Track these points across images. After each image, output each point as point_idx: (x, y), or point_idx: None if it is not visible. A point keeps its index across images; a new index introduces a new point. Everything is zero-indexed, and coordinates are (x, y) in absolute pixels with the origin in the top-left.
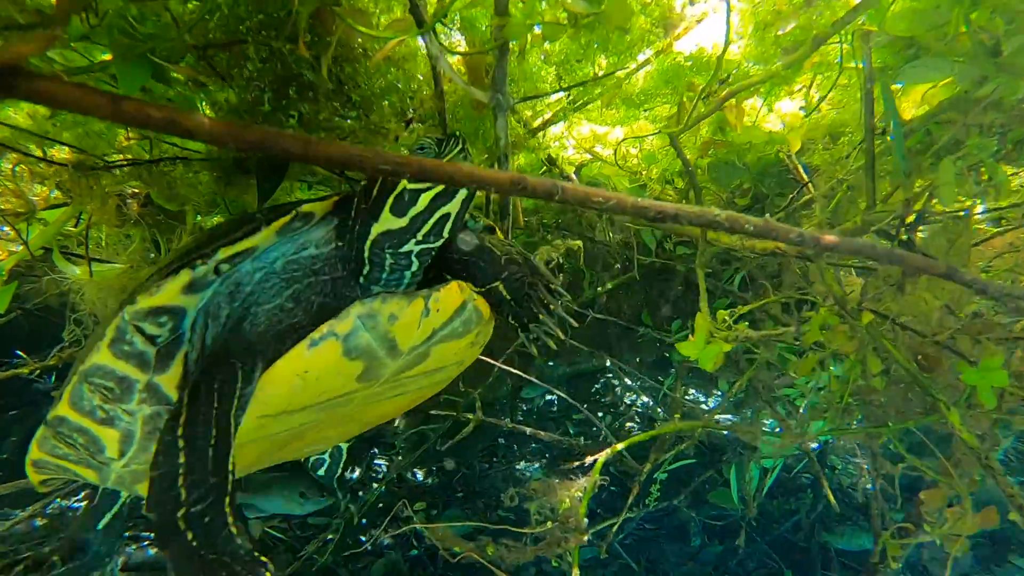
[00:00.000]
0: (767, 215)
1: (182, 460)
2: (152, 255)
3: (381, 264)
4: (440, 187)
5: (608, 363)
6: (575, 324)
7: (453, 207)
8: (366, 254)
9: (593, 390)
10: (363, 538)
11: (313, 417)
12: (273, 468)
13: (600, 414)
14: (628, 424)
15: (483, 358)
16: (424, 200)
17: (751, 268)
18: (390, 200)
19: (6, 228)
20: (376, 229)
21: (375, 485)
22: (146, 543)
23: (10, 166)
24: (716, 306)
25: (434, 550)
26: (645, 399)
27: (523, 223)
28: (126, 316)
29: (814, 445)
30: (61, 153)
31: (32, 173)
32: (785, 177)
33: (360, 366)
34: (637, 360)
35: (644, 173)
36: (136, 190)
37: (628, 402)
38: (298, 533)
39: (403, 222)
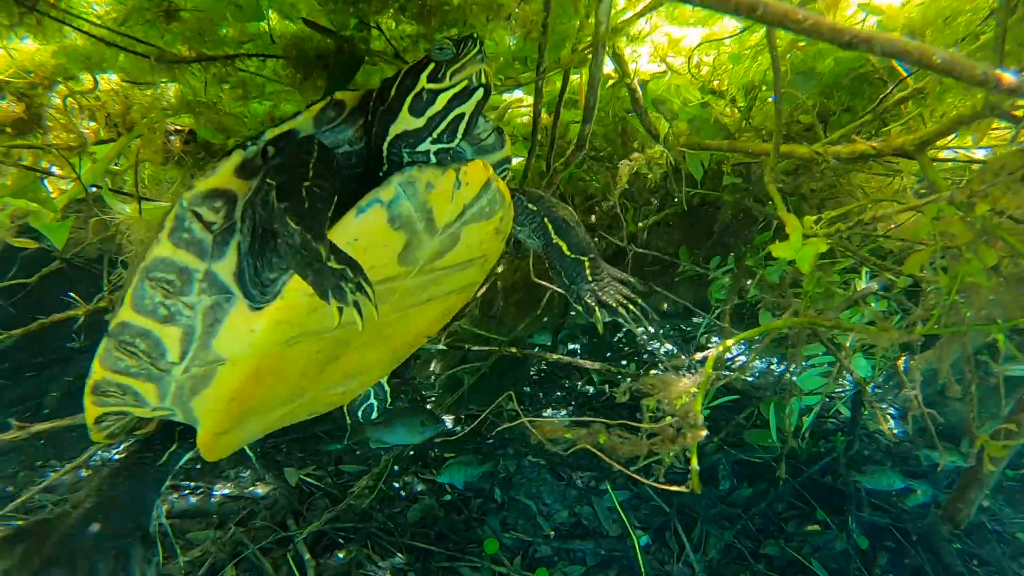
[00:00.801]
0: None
1: (315, 155)
2: None
3: (400, 163)
4: (458, 88)
5: None
6: (656, 319)
7: (468, 107)
8: (385, 153)
9: (616, 339)
10: (396, 484)
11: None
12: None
13: (624, 362)
14: (652, 372)
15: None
16: (442, 100)
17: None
18: (408, 100)
19: (55, 169)
20: (394, 129)
21: None
22: (187, 491)
23: (59, 99)
24: (761, 238)
25: (467, 495)
26: (669, 346)
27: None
28: (184, 202)
29: (846, 388)
30: (110, 84)
31: (81, 107)
32: (862, 86)
33: (402, 240)
34: (673, 302)
35: (717, 83)
36: (180, 127)
37: (651, 350)
38: (334, 480)
39: (420, 122)
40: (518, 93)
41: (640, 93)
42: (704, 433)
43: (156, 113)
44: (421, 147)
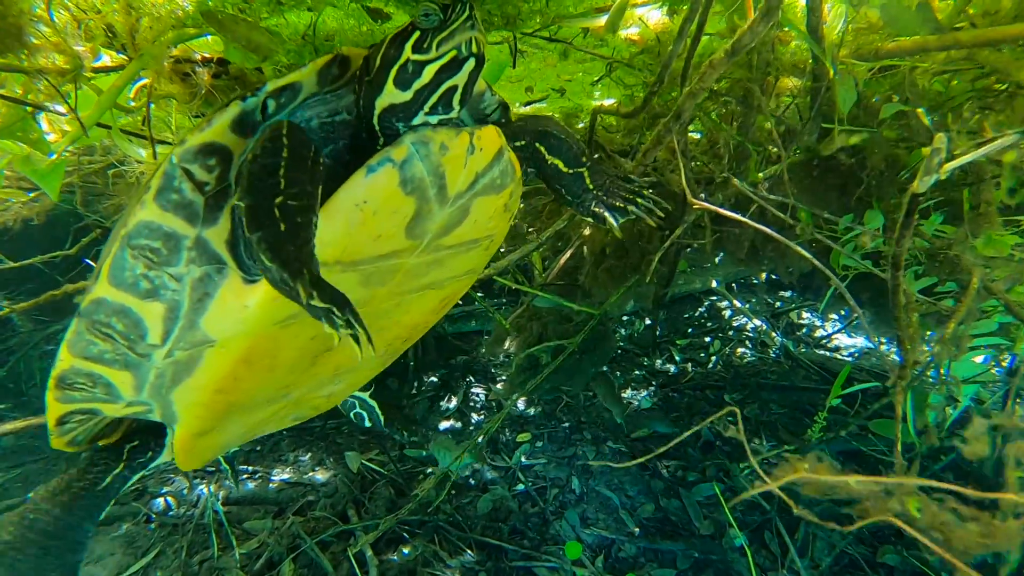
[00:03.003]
0: None
1: (285, 155)
2: None
3: (396, 136)
4: (445, 59)
5: (715, 284)
6: (668, 207)
7: (460, 79)
8: (377, 128)
9: (697, 313)
10: (465, 472)
11: (359, 293)
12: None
13: (707, 339)
14: (740, 350)
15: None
16: (429, 72)
17: None
18: (393, 72)
19: (60, 107)
20: (380, 103)
21: (474, 415)
22: (244, 476)
23: (43, 7)
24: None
25: (542, 485)
26: (756, 322)
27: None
28: (174, 159)
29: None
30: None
31: (76, 20)
32: None
33: (412, 207)
34: (789, 270)
35: None
36: (208, 55)
37: (737, 326)
38: (397, 467)
39: (407, 96)
40: None
41: None
42: None
43: (166, 28)
44: (416, 120)
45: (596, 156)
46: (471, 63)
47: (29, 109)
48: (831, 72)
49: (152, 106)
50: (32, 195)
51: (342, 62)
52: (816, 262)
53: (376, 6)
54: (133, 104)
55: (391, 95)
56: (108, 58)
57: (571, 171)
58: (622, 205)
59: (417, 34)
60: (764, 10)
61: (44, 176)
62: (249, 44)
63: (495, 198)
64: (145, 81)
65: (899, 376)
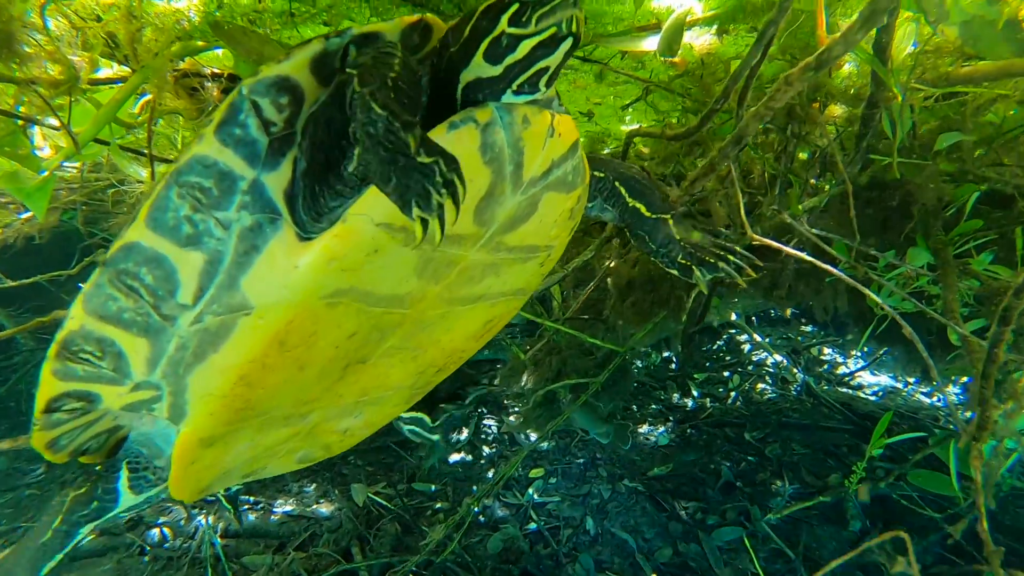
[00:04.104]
0: None
1: (397, 65)
2: None
3: None
4: (544, 35)
5: (734, 317)
6: (760, 264)
7: (554, 60)
8: (458, 104)
9: (715, 346)
10: (475, 508)
11: (412, 284)
12: None
13: (726, 373)
14: (760, 385)
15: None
16: (525, 48)
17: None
18: (484, 44)
19: (52, 120)
20: (465, 77)
21: (486, 448)
22: (246, 507)
23: (37, 14)
24: (958, 229)
25: (556, 524)
26: (777, 357)
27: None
28: (244, 89)
29: None
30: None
31: (75, 28)
32: None
33: (487, 180)
34: (824, 307)
35: None
36: (218, 70)
37: (757, 360)
38: (404, 501)
39: (497, 71)
40: None
41: None
42: None
43: (170, 40)
44: (504, 98)
45: (682, 209)
46: (568, 42)
47: (20, 123)
48: (899, 97)
49: (160, 122)
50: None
51: (424, 30)
52: (870, 292)
53: None
54: (139, 119)
55: (479, 68)
56: (110, 69)
57: (654, 216)
58: (712, 261)
59: (516, 6)
60: (867, 14)
61: (30, 195)
62: (260, 58)
63: (564, 197)
64: (149, 96)
65: (974, 436)
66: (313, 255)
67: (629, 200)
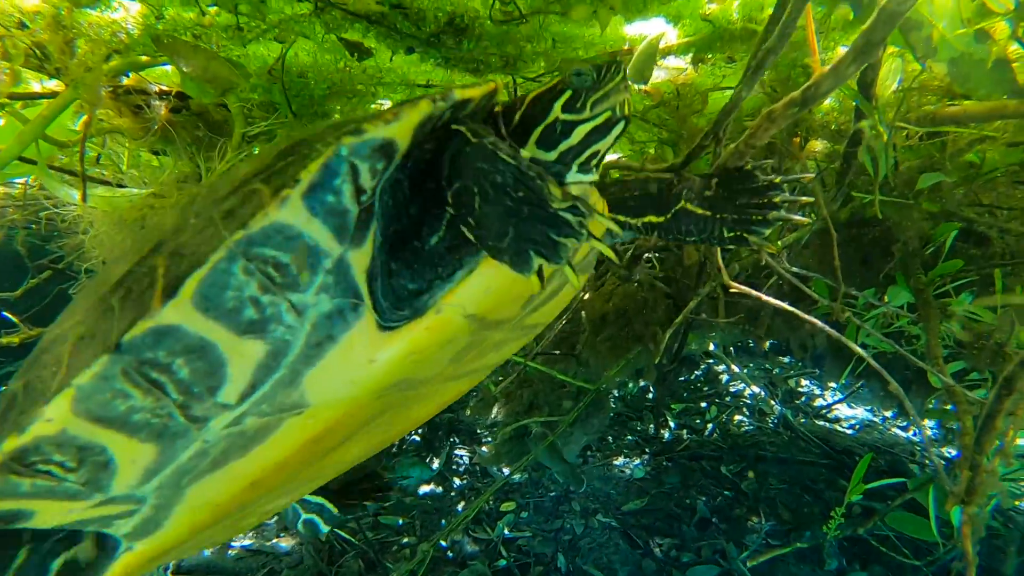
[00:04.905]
0: None
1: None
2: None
3: None
4: (599, 120)
5: (712, 347)
6: (810, 200)
7: (606, 143)
8: None
9: (693, 376)
10: (443, 543)
11: (443, 366)
12: None
13: (703, 404)
14: (737, 417)
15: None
16: (580, 133)
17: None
18: (537, 131)
19: None
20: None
21: (456, 480)
22: None
23: None
24: (938, 270)
25: (526, 561)
26: (755, 389)
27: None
28: (343, 150)
29: None
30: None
31: None
32: None
33: None
34: (801, 344)
35: None
36: (165, 87)
37: (734, 391)
38: (369, 535)
39: (551, 156)
40: None
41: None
42: None
43: (106, 53)
44: (569, 178)
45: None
46: (621, 126)
47: None
48: (884, 135)
49: (107, 142)
50: None
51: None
52: (847, 340)
53: (354, 39)
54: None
55: (531, 153)
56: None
57: (670, 216)
58: (759, 217)
59: (568, 94)
60: (860, 46)
61: None
62: (206, 74)
63: (583, 277)
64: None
65: (962, 499)
66: (397, 349)
67: (637, 221)
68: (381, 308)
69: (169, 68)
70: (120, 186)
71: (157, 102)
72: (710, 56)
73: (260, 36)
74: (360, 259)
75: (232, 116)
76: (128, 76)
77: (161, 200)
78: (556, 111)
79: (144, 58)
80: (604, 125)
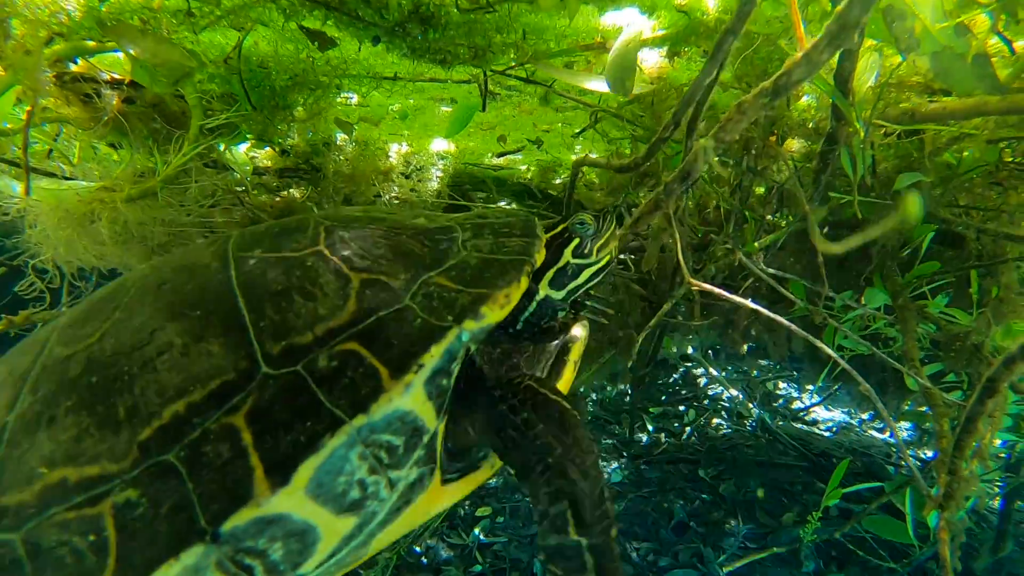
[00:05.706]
0: None
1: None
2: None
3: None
4: (603, 263)
5: (690, 351)
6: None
7: (599, 278)
8: (520, 326)
9: (671, 380)
10: (417, 548)
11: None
12: None
13: (681, 407)
14: (715, 420)
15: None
16: (586, 275)
17: None
18: (550, 274)
19: None
20: (531, 305)
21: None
22: None
23: None
24: (924, 270)
25: (502, 567)
26: (733, 392)
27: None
28: (464, 335)
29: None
30: None
31: None
32: None
33: None
34: (776, 344)
35: None
36: (117, 76)
37: (712, 395)
38: None
39: (560, 295)
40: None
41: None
42: None
43: (45, 37)
44: (545, 321)
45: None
46: (612, 265)
47: None
48: (861, 133)
49: (63, 132)
50: None
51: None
52: (820, 343)
53: (314, 27)
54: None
55: (544, 293)
56: None
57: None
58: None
59: (577, 241)
60: (834, 31)
61: None
62: (156, 59)
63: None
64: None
65: (940, 504)
66: (454, 497)
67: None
68: (444, 465)
69: (122, 56)
70: (68, 179)
71: (108, 91)
72: (686, 50)
73: (215, 23)
74: (443, 428)
75: (190, 107)
76: (76, 63)
77: (111, 194)
78: (567, 256)
79: (91, 43)
80: (604, 266)
